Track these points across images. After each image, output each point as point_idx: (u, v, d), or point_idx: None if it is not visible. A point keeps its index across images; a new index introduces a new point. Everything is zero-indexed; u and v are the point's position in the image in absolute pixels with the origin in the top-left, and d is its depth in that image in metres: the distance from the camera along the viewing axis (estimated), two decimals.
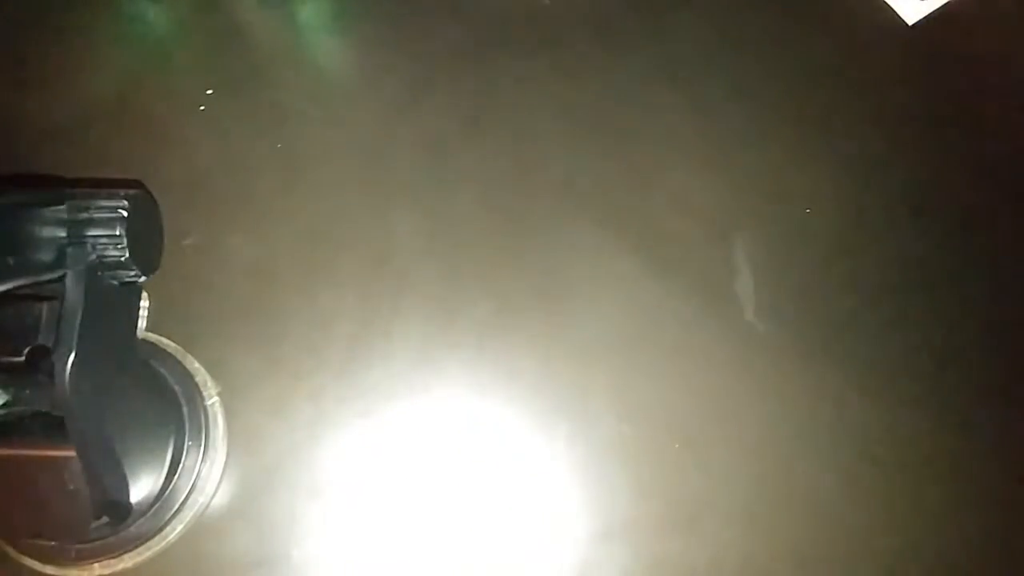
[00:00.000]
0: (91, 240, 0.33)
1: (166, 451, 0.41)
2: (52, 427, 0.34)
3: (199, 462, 0.41)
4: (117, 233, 0.33)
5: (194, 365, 0.43)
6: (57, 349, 0.32)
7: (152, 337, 0.43)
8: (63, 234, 0.33)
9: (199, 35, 0.53)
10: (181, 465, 0.41)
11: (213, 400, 0.43)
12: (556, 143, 0.50)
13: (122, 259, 0.34)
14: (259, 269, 0.46)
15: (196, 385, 0.43)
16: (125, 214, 0.33)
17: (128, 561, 0.40)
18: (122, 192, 0.34)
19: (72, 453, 0.34)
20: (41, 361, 0.33)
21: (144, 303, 0.41)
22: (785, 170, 0.50)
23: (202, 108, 0.50)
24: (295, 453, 0.43)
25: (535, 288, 0.46)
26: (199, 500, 0.41)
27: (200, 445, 0.42)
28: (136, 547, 0.40)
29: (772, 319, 0.46)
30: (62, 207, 0.33)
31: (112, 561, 0.40)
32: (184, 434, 0.41)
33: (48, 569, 0.40)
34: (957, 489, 0.43)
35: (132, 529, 0.40)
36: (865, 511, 0.43)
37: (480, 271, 0.47)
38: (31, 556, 0.40)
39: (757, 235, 0.48)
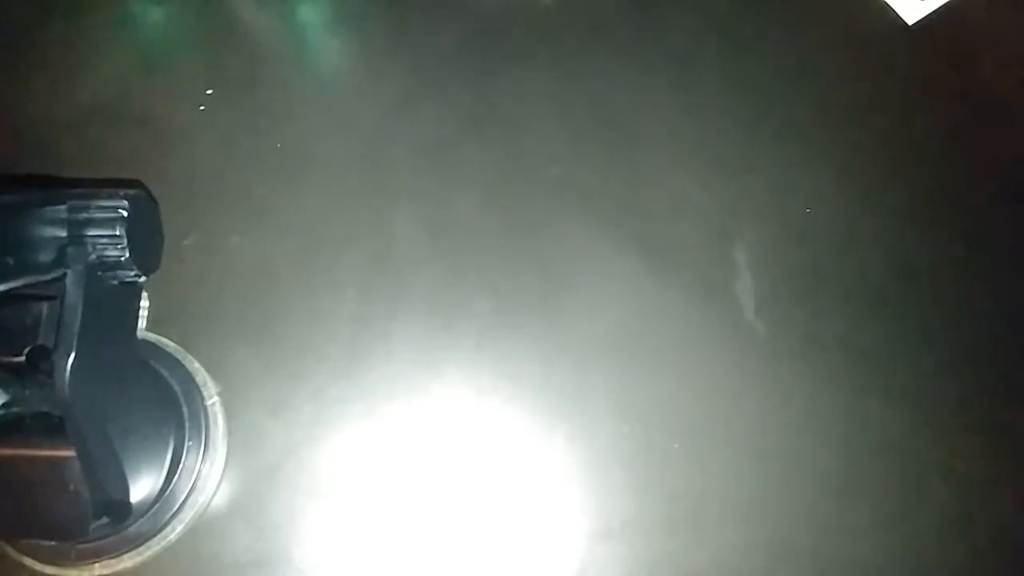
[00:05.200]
0: (91, 240, 0.33)
1: (166, 451, 0.41)
2: (52, 427, 0.34)
3: (199, 462, 0.41)
4: (117, 233, 0.33)
5: (194, 365, 0.43)
6: (57, 349, 0.32)
7: (152, 337, 0.43)
8: (63, 234, 0.33)
9: (199, 35, 0.53)
10: (181, 465, 0.41)
11: (213, 400, 0.43)
12: (556, 143, 0.50)
13: (122, 259, 0.34)
14: (259, 269, 0.46)
15: (196, 385, 0.43)
16: (125, 214, 0.33)
17: (128, 561, 0.40)
18: (122, 192, 0.34)
19: (72, 453, 0.34)
20: (41, 361, 0.33)
21: (144, 303, 0.41)
22: (785, 170, 0.50)
23: (202, 108, 0.50)
24: (295, 453, 0.43)
25: (535, 288, 0.46)
26: (199, 500, 0.41)
27: (200, 445, 0.42)
28: (136, 547, 0.40)
29: (772, 319, 0.46)
30: (62, 207, 0.33)
31: (112, 561, 0.40)
32: (184, 434, 0.41)
33: (48, 569, 0.40)
34: (959, 489, 0.43)
35: (132, 529, 0.40)
36: (865, 511, 0.43)
37: (480, 271, 0.47)
38: (31, 556, 0.40)
39: (757, 235, 0.48)
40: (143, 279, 0.35)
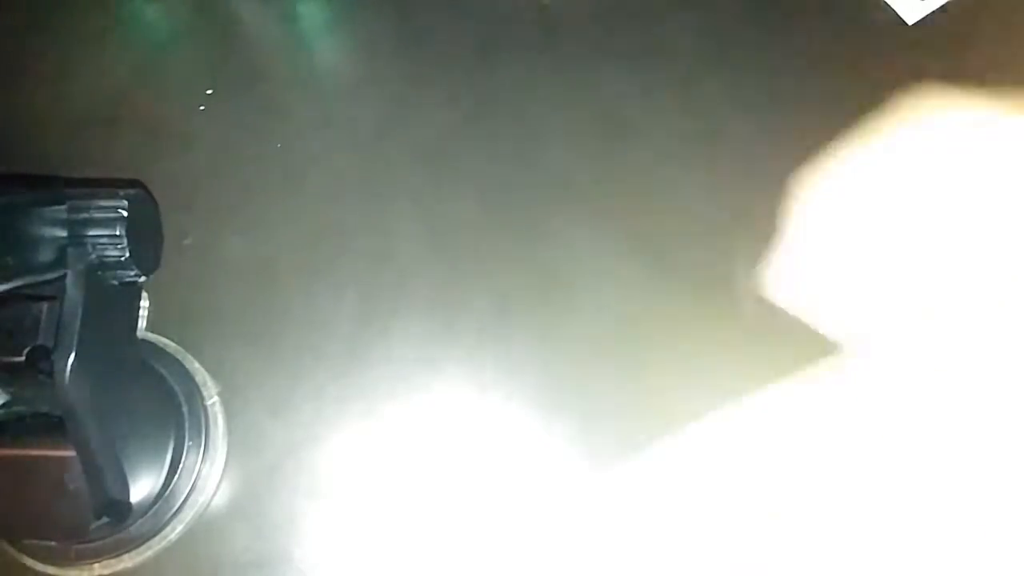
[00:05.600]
0: (91, 240, 0.33)
1: (166, 451, 0.41)
2: (52, 427, 0.34)
3: (199, 462, 0.41)
4: (117, 233, 0.33)
5: (194, 365, 0.43)
6: (57, 349, 0.32)
7: (152, 337, 0.43)
8: (63, 234, 0.33)
9: (199, 35, 0.53)
10: (181, 465, 0.41)
11: (213, 400, 0.43)
12: (556, 142, 0.50)
13: (122, 259, 0.34)
14: (259, 269, 0.46)
15: (196, 385, 0.43)
16: (125, 214, 0.33)
17: (128, 561, 0.40)
18: (122, 192, 0.34)
19: (72, 453, 0.34)
20: (41, 361, 0.33)
21: (144, 303, 0.41)
22: (785, 169, 0.50)
23: (202, 108, 0.50)
24: (295, 453, 0.43)
25: (535, 287, 0.46)
26: (199, 500, 0.41)
27: (200, 445, 0.42)
28: (136, 547, 0.40)
29: (772, 319, 0.46)
30: (62, 207, 0.33)
31: (112, 561, 0.40)
32: (184, 434, 0.41)
33: (48, 569, 0.40)
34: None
35: (132, 529, 0.40)
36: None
37: (480, 270, 0.47)
38: (31, 556, 0.40)
39: (757, 235, 0.48)
40: (143, 279, 0.35)
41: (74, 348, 0.32)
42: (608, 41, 0.52)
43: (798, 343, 0.46)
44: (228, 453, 0.42)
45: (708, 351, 0.45)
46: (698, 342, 0.45)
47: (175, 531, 0.40)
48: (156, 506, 0.40)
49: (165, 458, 0.40)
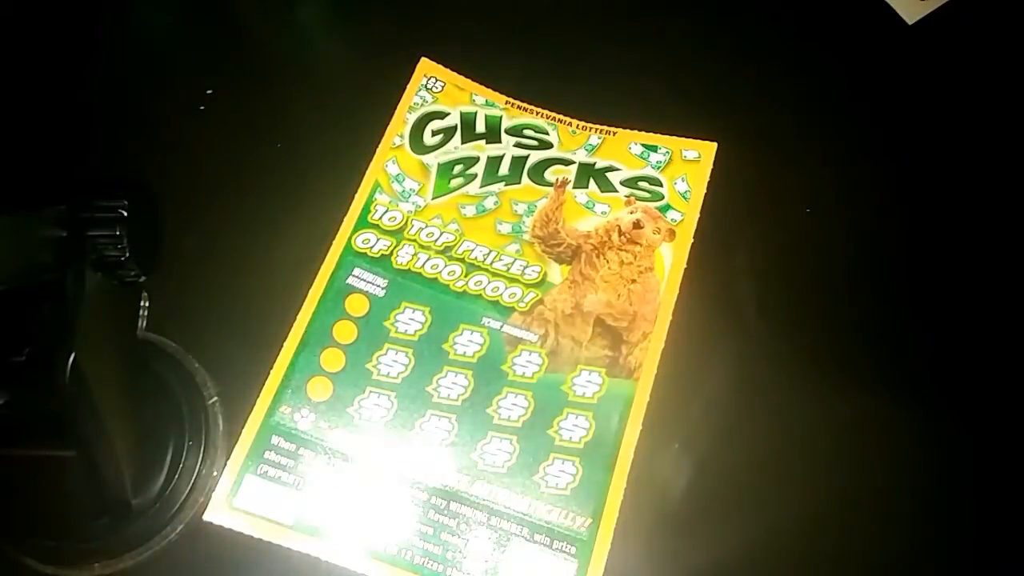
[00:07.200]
0: (91, 240, 0.33)
1: (166, 451, 0.41)
2: (52, 427, 0.34)
3: (199, 462, 0.41)
4: (117, 233, 0.33)
5: (194, 365, 0.43)
6: (57, 349, 0.32)
7: (152, 337, 0.43)
8: (63, 234, 0.33)
9: (199, 35, 0.53)
10: (181, 465, 0.41)
11: (213, 400, 0.43)
12: None
13: (122, 259, 0.34)
14: (259, 268, 0.46)
15: (196, 385, 0.43)
16: (125, 214, 0.33)
17: (128, 561, 0.40)
18: (122, 192, 0.34)
19: (72, 453, 0.34)
20: (41, 361, 0.33)
21: (144, 303, 0.41)
22: (785, 169, 0.50)
23: (202, 108, 0.50)
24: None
25: None
26: (199, 500, 0.41)
27: (200, 445, 0.42)
28: (136, 547, 0.40)
29: (773, 320, 0.46)
30: (62, 207, 0.33)
31: (112, 561, 0.40)
32: (184, 434, 0.41)
33: (48, 569, 0.40)
34: (959, 489, 0.43)
35: (132, 529, 0.40)
36: (867, 510, 0.43)
37: None
38: (31, 556, 0.40)
39: (757, 236, 0.48)
40: (143, 279, 0.35)
41: (74, 348, 0.32)
42: (608, 40, 0.52)
43: (799, 346, 0.46)
44: (228, 453, 0.42)
45: (708, 352, 0.45)
46: (698, 343, 0.45)
47: (175, 531, 0.40)
48: (156, 506, 0.40)
49: (165, 458, 0.40)
